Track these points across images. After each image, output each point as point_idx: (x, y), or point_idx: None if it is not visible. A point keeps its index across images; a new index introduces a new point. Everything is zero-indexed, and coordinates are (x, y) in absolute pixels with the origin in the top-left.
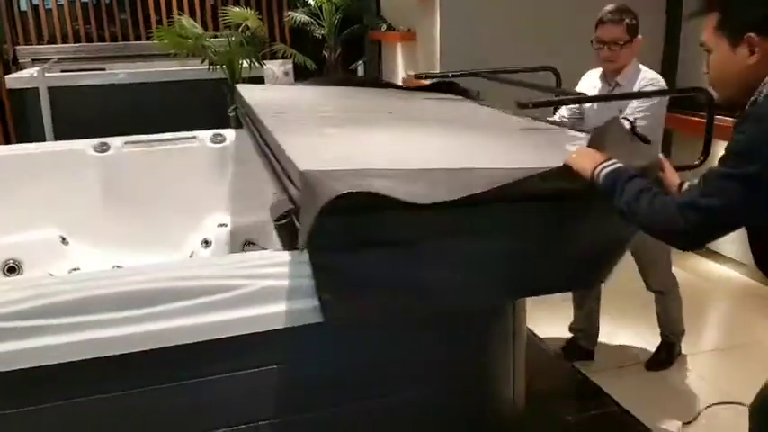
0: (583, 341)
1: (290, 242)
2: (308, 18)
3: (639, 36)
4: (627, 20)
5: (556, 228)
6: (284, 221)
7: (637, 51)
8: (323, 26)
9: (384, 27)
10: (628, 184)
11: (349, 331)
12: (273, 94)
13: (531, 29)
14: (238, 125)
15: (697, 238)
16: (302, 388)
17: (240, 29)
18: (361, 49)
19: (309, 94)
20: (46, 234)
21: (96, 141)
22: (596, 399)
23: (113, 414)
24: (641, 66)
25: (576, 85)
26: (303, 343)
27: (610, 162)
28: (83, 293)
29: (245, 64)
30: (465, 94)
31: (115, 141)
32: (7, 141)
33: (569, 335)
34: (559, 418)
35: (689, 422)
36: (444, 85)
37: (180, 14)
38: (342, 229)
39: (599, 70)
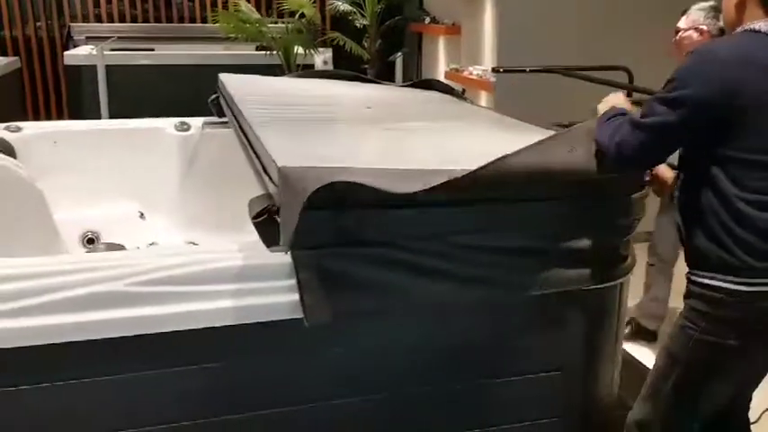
0: (647, 321)
1: (271, 239)
2: (351, 7)
3: None
4: None
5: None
6: (262, 218)
7: None
8: (364, 16)
9: (427, 20)
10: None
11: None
12: (257, 87)
13: (594, 25)
14: (220, 113)
15: (645, 155)
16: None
17: (297, 16)
18: (401, 41)
19: (294, 86)
20: (125, 208)
21: (177, 120)
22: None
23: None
24: None
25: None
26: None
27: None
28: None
29: (300, 51)
30: (451, 92)
31: (196, 121)
32: (60, 117)
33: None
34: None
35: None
36: (426, 83)
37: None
38: (325, 227)
39: None
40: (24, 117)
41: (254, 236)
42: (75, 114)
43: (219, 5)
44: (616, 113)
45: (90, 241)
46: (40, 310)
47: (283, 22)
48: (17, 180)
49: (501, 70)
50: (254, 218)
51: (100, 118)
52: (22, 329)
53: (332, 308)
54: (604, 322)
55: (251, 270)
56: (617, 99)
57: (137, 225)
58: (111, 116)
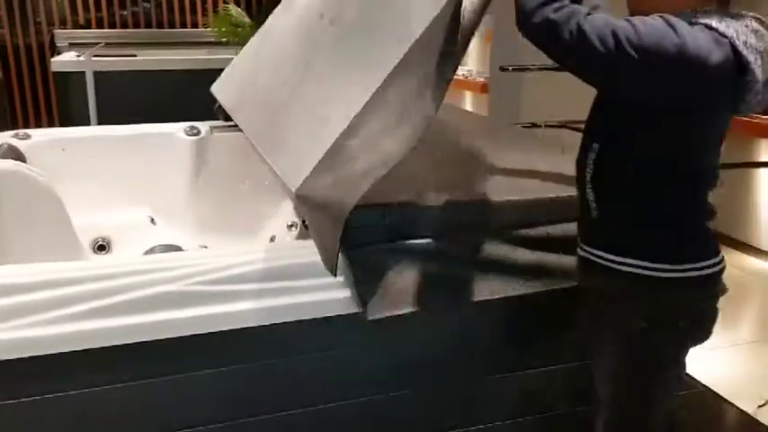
0: None
1: None
2: None
3: None
4: None
5: None
6: None
7: None
8: None
9: None
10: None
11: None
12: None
13: None
14: (227, 117)
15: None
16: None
17: None
18: None
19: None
20: (136, 214)
21: (187, 125)
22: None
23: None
24: None
25: None
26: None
27: None
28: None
29: None
30: None
31: (204, 126)
32: (50, 124)
33: None
34: None
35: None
36: None
37: (227, 3)
38: (377, 223)
39: None
40: (13, 126)
41: (263, 237)
42: (65, 121)
43: (199, 12)
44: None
45: (101, 248)
46: (109, 311)
47: None
48: (38, 186)
49: (510, 69)
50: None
51: (90, 124)
52: (94, 331)
53: (386, 303)
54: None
55: (305, 267)
56: None
57: (148, 230)
58: (100, 122)
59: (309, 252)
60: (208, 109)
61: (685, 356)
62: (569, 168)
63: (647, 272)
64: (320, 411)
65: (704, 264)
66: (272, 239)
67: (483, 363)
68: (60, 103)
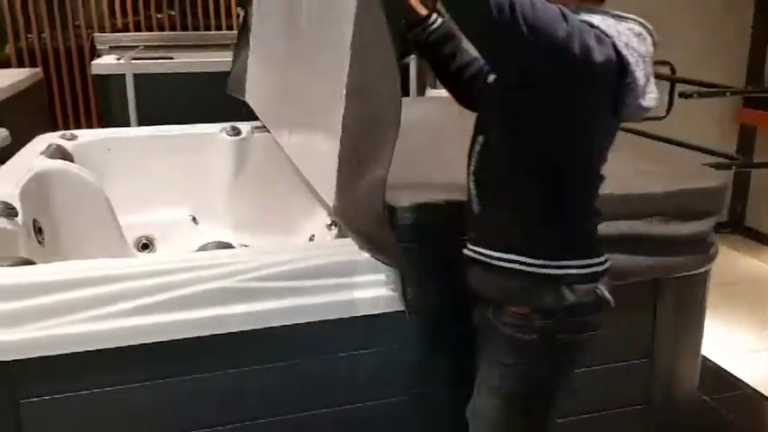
0: None
1: None
2: None
3: None
4: None
5: None
6: None
7: None
8: None
9: None
10: None
11: None
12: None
13: None
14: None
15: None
16: None
17: None
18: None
19: None
20: (178, 213)
21: (228, 125)
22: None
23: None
24: None
25: None
26: None
27: None
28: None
29: None
30: None
31: (245, 126)
32: (89, 126)
33: None
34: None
35: None
36: None
37: None
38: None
39: None
40: (53, 127)
41: (302, 237)
42: (105, 122)
43: (233, 14)
44: None
45: (145, 246)
46: (171, 305)
47: None
48: (86, 185)
49: None
50: None
51: (129, 125)
52: (156, 325)
53: (432, 300)
54: (693, 311)
55: (354, 265)
56: None
57: (190, 229)
58: (140, 123)
59: (351, 250)
60: (241, 109)
61: (570, 369)
62: (613, 167)
63: (527, 268)
64: (361, 409)
65: (584, 262)
66: (311, 238)
67: None
68: (100, 105)
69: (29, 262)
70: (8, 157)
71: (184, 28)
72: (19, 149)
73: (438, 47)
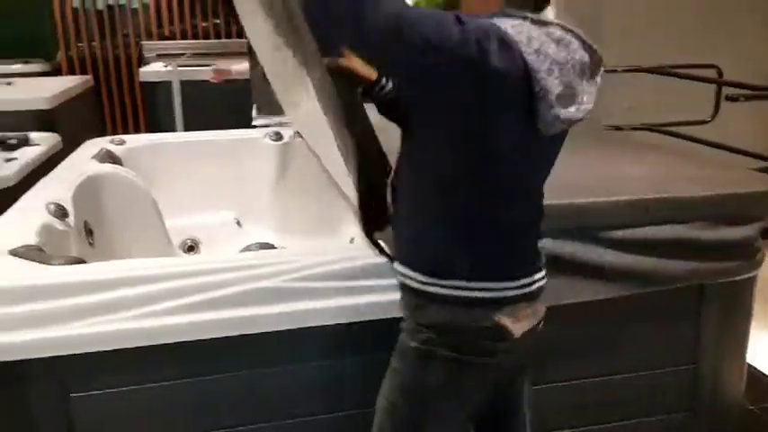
0: None
1: None
2: None
3: None
4: None
5: None
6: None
7: None
8: None
9: None
10: None
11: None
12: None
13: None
14: None
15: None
16: None
17: None
18: None
19: None
20: (223, 216)
21: (271, 131)
22: None
23: None
24: None
25: None
26: None
27: None
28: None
29: None
30: None
31: (287, 132)
32: (137, 131)
33: None
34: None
35: None
36: None
37: None
38: None
39: None
40: (102, 133)
41: (342, 239)
42: (152, 128)
43: None
44: None
45: (190, 248)
46: (215, 304)
47: None
48: (135, 188)
49: None
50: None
51: (175, 130)
52: (201, 323)
53: None
54: (738, 317)
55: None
56: None
57: (234, 232)
58: (186, 129)
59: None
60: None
61: (468, 398)
62: (659, 170)
63: (414, 284)
64: None
65: (480, 285)
66: (351, 241)
67: (571, 365)
68: (147, 111)
69: (80, 261)
70: (60, 162)
71: (228, 36)
72: (70, 154)
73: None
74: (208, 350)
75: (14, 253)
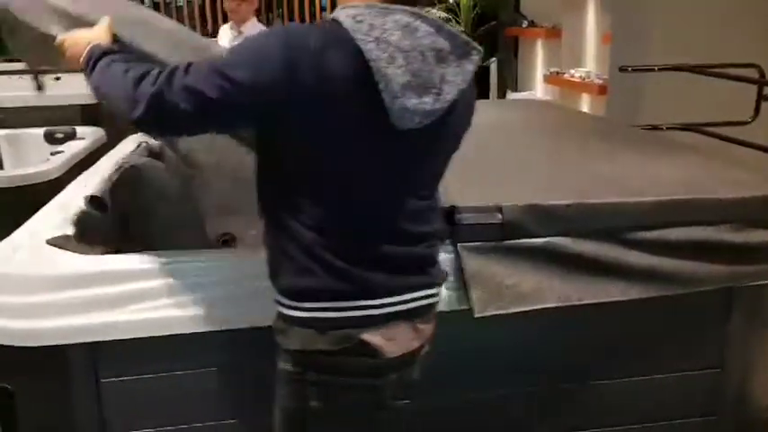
0: None
1: None
2: (446, 14)
3: None
4: None
5: None
6: None
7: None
8: (459, 23)
9: (525, 23)
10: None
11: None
12: None
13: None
14: None
15: (162, 113)
16: None
17: None
18: (495, 47)
19: None
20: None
21: None
22: None
23: None
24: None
25: None
26: None
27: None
28: None
29: None
30: None
31: None
32: None
33: None
34: None
35: None
36: None
37: None
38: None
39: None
40: None
41: None
42: None
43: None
44: (104, 52)
45: (225, 243)
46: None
47: None
48: (174, 183)
49: (630, 69)
50: None
51: None
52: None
53: (497, 301)
54: (765, 320)
55: None
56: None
57: None
58: None
59: None
60: None
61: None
62: (691, 171)
63: (277, 306)
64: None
65: (336, 305)
66: None
67: (595, 366)
68: None
69: (117, 251)
70: (104, 155)
71: None
72: (113, 148)
73: None
74: (239, 339)
75: (53, 243)
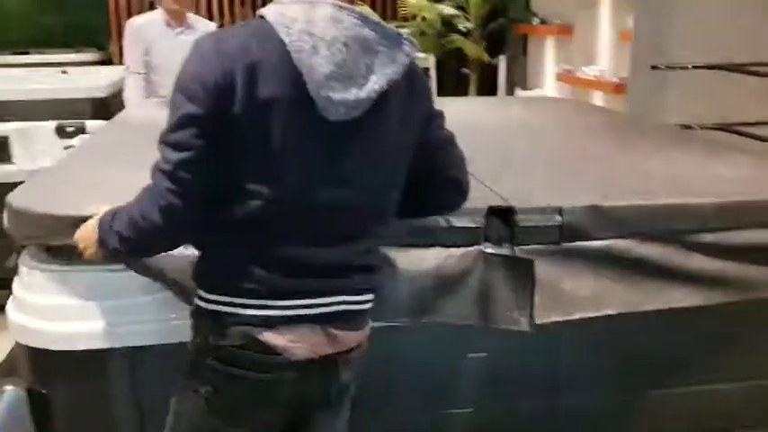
0: None
1: None
2: (455, 11)
3: None
4: None
5: None
6: None
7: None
8: (469, 19)
9: (536, 21)
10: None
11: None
12: None
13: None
14: None
15: (180, 200)
16: None
17: (419, 18)
18: (504, 44)
19: None
20: None
21: None
22: None
23: None
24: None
25: None
26: None
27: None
28: None
29: (422, 54)
30: None
31: None
32: None
33: None
34: None
35: None
36: None
37: (361, 3)
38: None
39: (157, 19)
40: None
41: None
42: None
43: None
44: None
45: None
46: None
47: (402, 26)
48: None
49: (663, 67)
50: None
51: None
52: None
53: (557, 307)
54: None
55: None
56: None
57: None
58: None
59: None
60: None
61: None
62: (743, 171)
63: (196, 299)
64: (476, 414)
65: (239, 301)
66: None
67: (651, 375)
68: None
69: None
70: None
71: None
72: None
73: None
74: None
75: None
